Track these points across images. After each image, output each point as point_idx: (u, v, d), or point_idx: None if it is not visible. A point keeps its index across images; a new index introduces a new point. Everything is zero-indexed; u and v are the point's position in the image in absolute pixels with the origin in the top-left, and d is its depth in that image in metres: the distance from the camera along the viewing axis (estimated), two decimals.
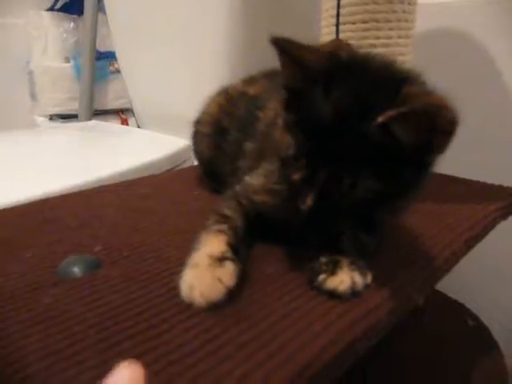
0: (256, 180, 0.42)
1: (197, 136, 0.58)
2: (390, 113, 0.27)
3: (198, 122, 0.58)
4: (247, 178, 0.43)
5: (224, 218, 0.37)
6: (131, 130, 1.18)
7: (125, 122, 1.51)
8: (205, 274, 0.30)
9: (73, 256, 0.37)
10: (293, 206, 0.32)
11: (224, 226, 0.36)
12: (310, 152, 0.32)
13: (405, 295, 0.32)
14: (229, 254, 0.32)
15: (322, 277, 0.32)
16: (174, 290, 0.31)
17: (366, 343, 0.28)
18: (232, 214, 0.38)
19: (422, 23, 0.53)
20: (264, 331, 0.27)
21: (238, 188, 0.42)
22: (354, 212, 0.33)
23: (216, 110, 0.55)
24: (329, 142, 0.30)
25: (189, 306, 0.30)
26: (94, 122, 1.18)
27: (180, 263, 0.34)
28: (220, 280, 0.30)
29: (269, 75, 0.54)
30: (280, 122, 0.35)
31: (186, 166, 0.79)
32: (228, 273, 0.31)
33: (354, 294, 0.31)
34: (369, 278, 0.32)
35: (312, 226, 0.35)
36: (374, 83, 0.31)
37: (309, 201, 0.31)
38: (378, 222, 0.38)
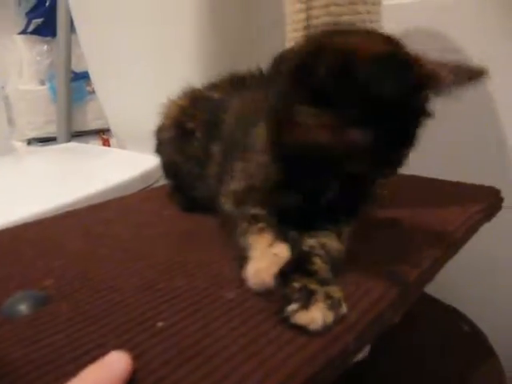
0: (238, 185, 0.40)
1: (160, 144, 0.55)
2: None
3: (159, 130, 0.55)
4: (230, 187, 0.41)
5: (254, 219, 0.37)
6: (108, 150, 1.15)
7: (106, 143, 1.49)
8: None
9: (20, 292, 0.34)
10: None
11: (261, 224, 0.35)
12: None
13: (377, 313, 0.29)
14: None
15: (292, 307, 0.28)
16: (125, 324, 0.29)
17: (332, 372, 0.25)
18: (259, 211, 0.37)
19: (388, 24, 0.51)
20: (219, 366, 0.24)
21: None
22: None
23: (178, 112, 0.53)
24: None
25: (140, 343, 0.27)
26: (71, 144, 1.16)
27: (137, 291, 0.31)
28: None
29: (230, 80, 0.52)
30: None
31: (160, 184, 0.76)
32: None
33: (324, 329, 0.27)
34: (343, 310, 0.29)
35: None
36: None
37: None
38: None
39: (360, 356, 0.58)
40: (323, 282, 0.30)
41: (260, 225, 0.35)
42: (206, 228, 0.43)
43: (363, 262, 0.34)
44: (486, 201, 0.52)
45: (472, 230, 0.47)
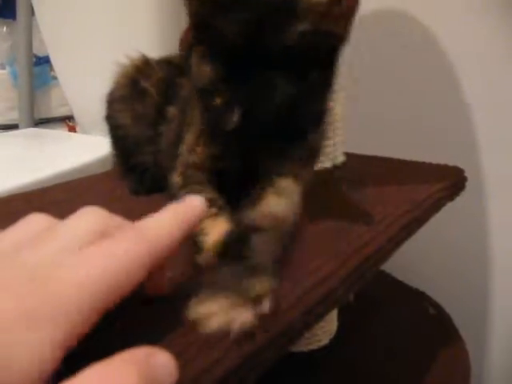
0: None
1: (110, 105, 0.52)
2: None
3: (111, 91, 0.52)
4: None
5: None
6: (68, 135, 1.12)
7: (72, 130, 1.44)
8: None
9: None
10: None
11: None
12: (228, 76, 0.31)
13: (325, 292, 0.27)
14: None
15: (193, 300, 0.24)
16: None
17: (276, 351, 0.24)
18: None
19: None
20: None
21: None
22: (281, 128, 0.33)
23: (133, 70, 0.51)
24: (245, 61, 0.30)
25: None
26: (32, 130, 1.11)
27: None
28: None
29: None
30: (194, 58, 0.34)
31: None
32: None
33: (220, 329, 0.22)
34: (262, 308, 0.23)
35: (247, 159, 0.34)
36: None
37: (234, 116, 0.30)
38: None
39: (323, 342, 0.58)
40: (252, 270, 0.25)
41: (213, 209, 0.33)
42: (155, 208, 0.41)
43: (314, 238, 0.33)
44: (449, 180, 0.51)
45: (433, 208, 0.46)
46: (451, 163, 0.55)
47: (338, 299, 0.28)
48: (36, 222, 0.24)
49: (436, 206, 0.47)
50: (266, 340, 0.23)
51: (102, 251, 0.20)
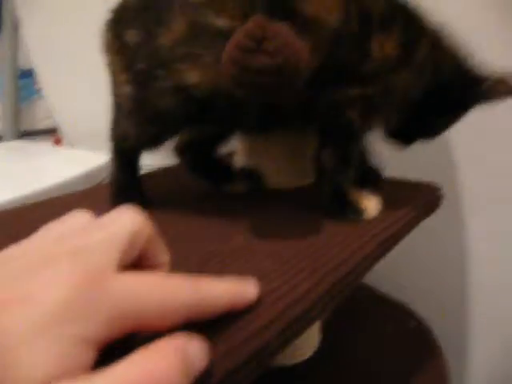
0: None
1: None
2: None
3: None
4: None
5: None
6: (53, 149, 1.12)
7: (58, 142, 1.43)
8: None
9: None
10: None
11: None
12: None
13: (300, 312, 0.28)
14: None
15: None
16: None
17: (252, 370, 0.24)
18: None
19: None
20: None
21: None
22: None
23: None
24: None
25: None
26: (17, 143, 1.11)
27: None
28: None
29: None
30: None
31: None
32: None
33: None
34: None
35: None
36: None
37: None
38: None
39: (307, 355, 0.59)
40: None
41: None
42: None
43: (287, 256, 0.34)
44: (425, 197, 0.53)
45: (409, 226, 0.48)
46: (427, 179, 0.57)
47: (313, 318, 0.29)
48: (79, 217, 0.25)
49: (412, 223, 0.48)
50: (244, 357, 0.23)
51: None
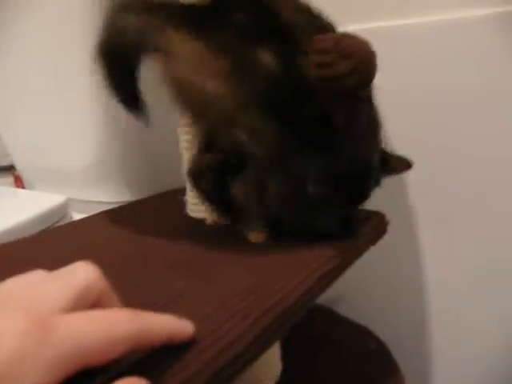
0: None
1: None
2: None
3: None
4: None
5: None
6: (7, 190, 1.09)
7: (19, 180, 1.41)
8: None
9: None
10: None
11: None
12: None
13: (232, 356, 0.29)
14: None
15: None
16: None
17: None
18: None
19: None
20: None
21: None
22: None
23: None
24: None
25: None
26: None
27: None
28: None
29: None
30: None
31: (62, 223, 0.74)
32: None
33: None
34: None
35: None
36: None
37: None
38: None
39: None
40: None
41: None
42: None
43: (227, 299, 0.35)
44: (371, 225, 0.55)
45: (356, 254, 0.49)
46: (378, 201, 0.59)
47: (249, 359, 0.30)
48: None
49: (358, 251, 0.50)
50: None
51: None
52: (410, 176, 0.70)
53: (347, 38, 0.38)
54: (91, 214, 0.64)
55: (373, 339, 0.72)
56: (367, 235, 0.52)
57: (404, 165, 0.51)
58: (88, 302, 0.25)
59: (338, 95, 0.38)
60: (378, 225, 0.56)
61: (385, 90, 0.65)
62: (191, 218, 0.58)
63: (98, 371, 0.22)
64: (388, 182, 0.71)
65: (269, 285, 0.37)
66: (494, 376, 0.71)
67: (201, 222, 0.56)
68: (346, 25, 0.59)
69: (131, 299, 0.34)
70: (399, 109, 0.65)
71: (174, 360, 0.26)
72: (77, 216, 0.75)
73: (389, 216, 0.59)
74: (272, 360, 0.61)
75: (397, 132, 0.67)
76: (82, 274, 0.25)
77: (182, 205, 0.60)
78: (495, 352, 0.70)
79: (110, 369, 0.23)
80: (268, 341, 0.32)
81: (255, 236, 0.49)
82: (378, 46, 0.65)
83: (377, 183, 0.49)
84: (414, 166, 0.68)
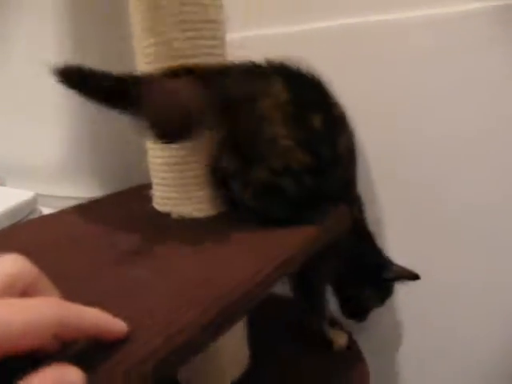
0: None
1: None
2: None
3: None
4: None
5: None
6: None
7: None
8: None
9: None
10: None
11: None
12: None
13: (183, 342, 0.30)
14: None
15: None
16: None
17: None
18: None
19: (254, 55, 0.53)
20: None
21: None
22: None
23: None
24: None
25: None
26: None
27: None
28: None
29: None
30: None
31: (31, 217, 0.74)
32: None
33: None
34: None
35: None
36: None
37: None
38: None
39: (235, 376, 0.60)
40: None
41: None
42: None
43: (178, 287, 0.36)
44: (333, 216, 0.56)
45: (314, 247, 0.50)
46: None
47: (198, 347, 0.31)
48: None
49: (316, 245, 0.51)
50: None
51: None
52: (406, 173, 0.69)
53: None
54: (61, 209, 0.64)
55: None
56: (329, 225, 0.53)
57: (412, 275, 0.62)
58: (15, 291, 0.25)
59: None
60: (340, 217, 0.57)
61: (384, 84, 0.66)
62: (158, 211, 0.59)
63: (27, 358, 0.22)
64: (382, 181, 0.71)
65: (223, 276, 0.38)
66: (494, 376, 0.69)
67: (167, 215, 0.57)
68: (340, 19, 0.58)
69: (82, 288, 0.35)
70: (398, 106, 0.66)
71: (120, 348, 0.27)
72: (46, 211, 0.75)
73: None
74: (238, 349, 0.62)
75: (398, 125, 0.68)
76: (9, 264, 0.26)
77: (149, 199, 0.60)
78: (495, 352, 0.69)
79: (45, 356, 0.24)
80: (219, 329, 0.33)
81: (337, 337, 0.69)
82: (375, 40, 0.66)
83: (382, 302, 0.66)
84: (411, 162, 0.67)
